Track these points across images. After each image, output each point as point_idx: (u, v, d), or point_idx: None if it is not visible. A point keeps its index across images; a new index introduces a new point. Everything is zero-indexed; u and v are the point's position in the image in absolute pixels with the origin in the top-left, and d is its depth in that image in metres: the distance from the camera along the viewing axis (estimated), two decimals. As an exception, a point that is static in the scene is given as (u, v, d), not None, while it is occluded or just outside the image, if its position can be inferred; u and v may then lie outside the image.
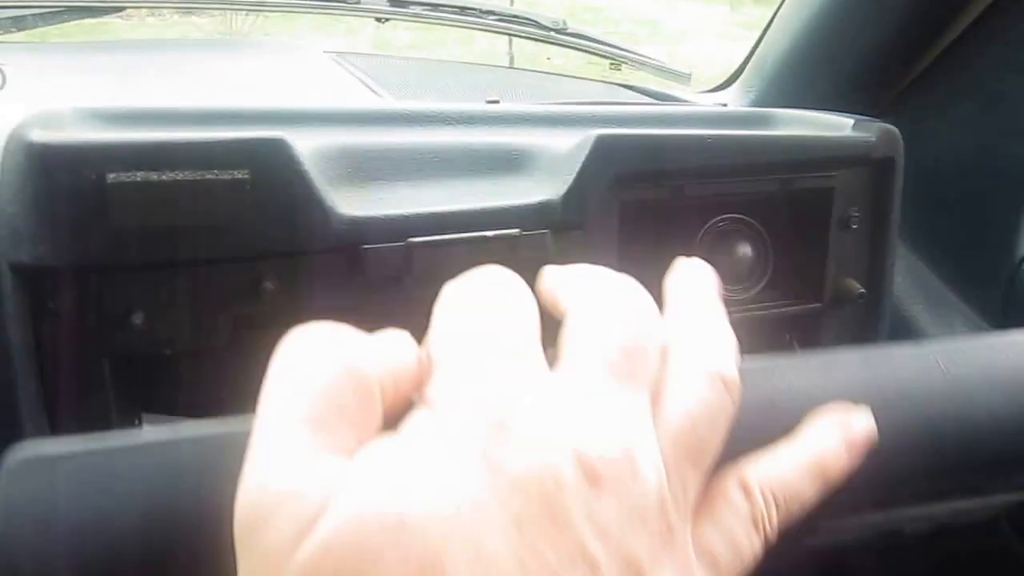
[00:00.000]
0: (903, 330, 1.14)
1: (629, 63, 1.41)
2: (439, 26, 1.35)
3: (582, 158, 0.86)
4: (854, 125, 0.99)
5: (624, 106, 1.19)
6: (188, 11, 1.39)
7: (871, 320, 1.05)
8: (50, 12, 1.33)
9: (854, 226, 1.02)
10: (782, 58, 1.23)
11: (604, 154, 0.86)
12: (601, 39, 1.41)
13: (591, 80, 1.40)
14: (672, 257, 1.02)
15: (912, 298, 1.16)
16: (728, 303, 0.98)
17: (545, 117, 0.97)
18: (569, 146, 0.88)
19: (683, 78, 1.41)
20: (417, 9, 1.33)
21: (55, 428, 0.78)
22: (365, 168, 0.86)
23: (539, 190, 0.87)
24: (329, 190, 0.80)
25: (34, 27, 1.36)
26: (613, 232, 0.91)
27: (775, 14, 1.23)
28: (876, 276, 1.04)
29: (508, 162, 0.90)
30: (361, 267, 0.81)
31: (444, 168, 0.88)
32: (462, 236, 0.82)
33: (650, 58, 1.42)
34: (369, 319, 1.03)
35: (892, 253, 1.03)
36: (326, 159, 0.83)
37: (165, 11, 1.55)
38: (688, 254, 1.01)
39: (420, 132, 0.92)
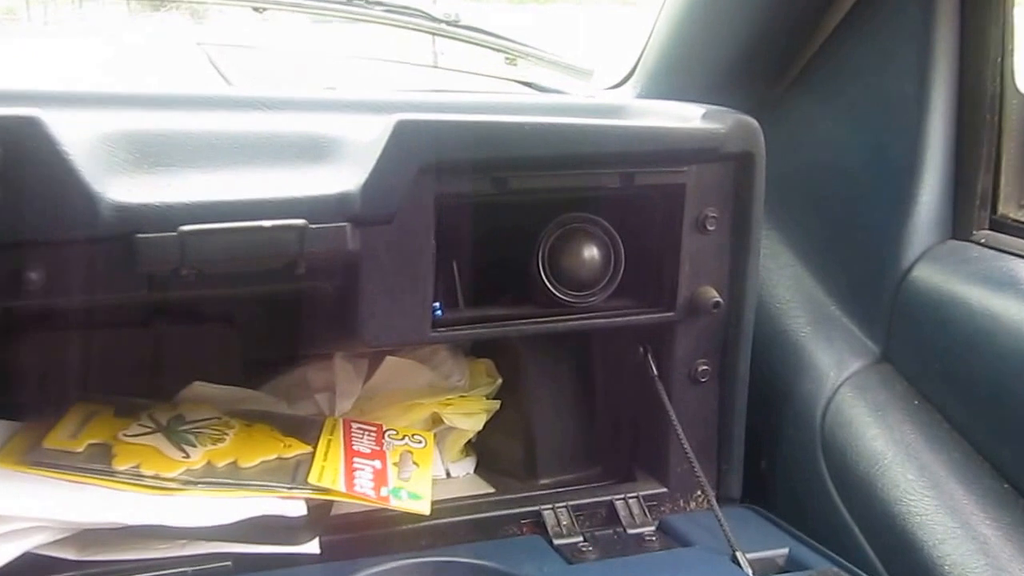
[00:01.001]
0: (780, 343, 1.08)
1: (525, 58, 1.36)
2: (320, 15, 1.30)
3: (381, 146, 0.81)
4: (704, 115, 0.93)
5: (468, 94, 1.14)
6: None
7: (731, 332, 0.99)
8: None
9: (710, 228, 0.96)
10: (664, 53, 1.17)
11: (405, 141, 0.81)
12: (495, 32, 1.35)
13: (484, 75, 1.34)
14: (511, 259, 0.98)
15: (792, 310, 1.09)
16: (575, 310, 0.94)
17: (368, 104, 0.92)
18: (374, 134, 0.82)
19: (584, 74, 1.35)
20: (298, -2, 1.29)
21: None
22: (150, 154, 0.80)
23: (338, 180, 0.81)
24: (100, 175, 0.75)
25: None
26: (429, 228, 0.85)
27: (661, 7, 1.17)
28: (736, 284, 0.98)
29: (312, 150, 0.84)
30: (133, 257, 0.76)
31: (240, 154, 0.83)
32: (240, 225, 0.77)
33: (547, 53, 1.37)
34: (148, 313, 0.98)
35: (754, 258, 0.97)
36: (103, 143, 0.78)
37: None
38: (528, 254, 0.96)
39: (222, 117, 0.87)
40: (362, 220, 0.81)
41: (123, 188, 0.76)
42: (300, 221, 0.77)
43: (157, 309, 1.01)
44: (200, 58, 1.23)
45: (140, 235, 0.75)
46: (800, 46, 1.07)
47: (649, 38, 1.21)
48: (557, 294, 0.94)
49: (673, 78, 1.16)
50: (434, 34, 1.34)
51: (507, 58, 1.38)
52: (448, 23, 1.34)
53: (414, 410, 1.05)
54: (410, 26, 1.34)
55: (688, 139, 0.91)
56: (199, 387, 1.03)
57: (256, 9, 1.29)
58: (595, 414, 1.09)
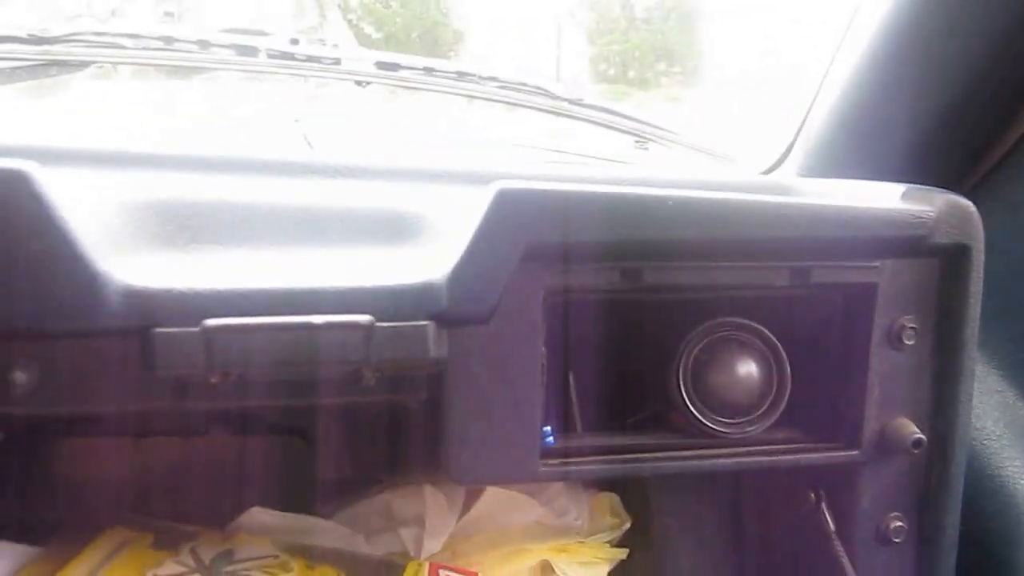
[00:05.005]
0: (993, 493, 0.79)
1: (658, 141, 1.12)
2: (429, 92, 1.10)
3: (477, 223, 0.57)
4: (904, 195, 0.67)
5: (590, 167, 0.90)
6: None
7: (934, 479, 0.71)
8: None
9: (908, 342, 0.68)
10: (833, 127, 0.91)
11: (508, 216, 0.57)
12: (625, 113, 1.12)
13: (608, 160, 1.09)
14: (644, 374, 0.73)
15: (1005, 450, 0.80)
16: (726, 442, 0.67)
17: (466, 175, 0.68)
18: (468, 209, 0.59)
19: (726, 160, 1.11)
20: (405, 73, 1.08)
21: None
22: (187, 227, 0.59)
23: (419, 265, 0.58)
24: (112, 250, 0.54)
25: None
26: (536, 331, 0.61)
27: (825, 73, 0.91)
28: (942, 415, 0.70)
29: (389, 227, 0.62)
30: (149, 356, 0.53)
31: (299, 231, 0.61)
32: (281, 321, 0.53)
33: (682, 135, 1.13)
34: (206, 419, 0.76)
35: (967, 382, 0.69)
36: (124, 211, 0.57)
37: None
38: (666, 368, 0.71)
39: (284, 186, 0.65)
40: (450, 319, 0.57)
41: (141, 269, 0.54)
42: (365, 318, 0.54)
43: (215, 415, 0.79)
44: (294, 133, 1.02)
45: (157, 329, 0.53)
46: (1013, 113, 0.79)
47: (809, 111, 0.95)
48: (703, 421, 0.68)
49: (845, 156, 0.90)
50: (555, 113, 1.11)
51: (637, 141, 1.13)
52: (570, 101, 1.11)
53: (519, 556, 0.79)
54: (529, 104, 1.11)
55: (886, 224, 0.65)
56: (258, 513, 0.79)
57: (359, 83, 1.08)
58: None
